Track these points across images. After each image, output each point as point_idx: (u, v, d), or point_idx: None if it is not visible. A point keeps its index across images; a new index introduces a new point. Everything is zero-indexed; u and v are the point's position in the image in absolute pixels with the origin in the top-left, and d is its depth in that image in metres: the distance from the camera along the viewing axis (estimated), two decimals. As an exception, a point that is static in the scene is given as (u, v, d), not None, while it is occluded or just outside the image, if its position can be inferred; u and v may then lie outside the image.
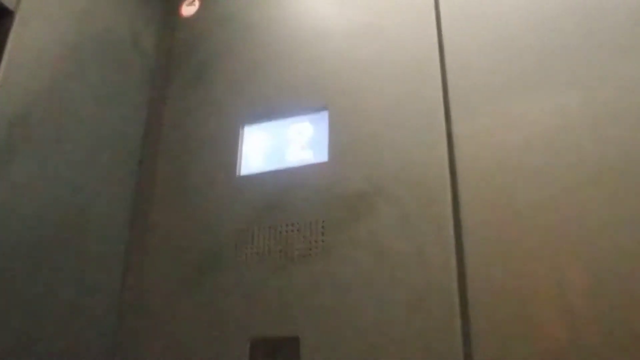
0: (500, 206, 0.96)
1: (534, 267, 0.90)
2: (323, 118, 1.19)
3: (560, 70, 1.00)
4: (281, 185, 1.17)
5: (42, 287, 1.04)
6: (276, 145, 1.24)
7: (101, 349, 1.15)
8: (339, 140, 1.15)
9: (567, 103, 0.98)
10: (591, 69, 0.99)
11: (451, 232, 0.98)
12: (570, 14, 1.04)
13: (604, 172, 0.90)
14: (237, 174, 1.24)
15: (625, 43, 0.98)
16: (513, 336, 0.87)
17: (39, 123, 1.09)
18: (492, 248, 0.94)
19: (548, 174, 0.94)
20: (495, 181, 0.97)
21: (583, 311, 0.84)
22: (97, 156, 1.24)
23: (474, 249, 0.96)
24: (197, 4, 1.47)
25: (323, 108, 1.20)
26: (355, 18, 1.24)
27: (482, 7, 1.13)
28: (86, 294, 1.15)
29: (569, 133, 0.96)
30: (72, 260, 1.13)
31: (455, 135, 1.05)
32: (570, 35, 1.03)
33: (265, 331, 1.06)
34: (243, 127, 1.29)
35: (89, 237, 1.18)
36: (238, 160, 1.25)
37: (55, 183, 1.11)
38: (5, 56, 1.05)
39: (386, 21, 1.20)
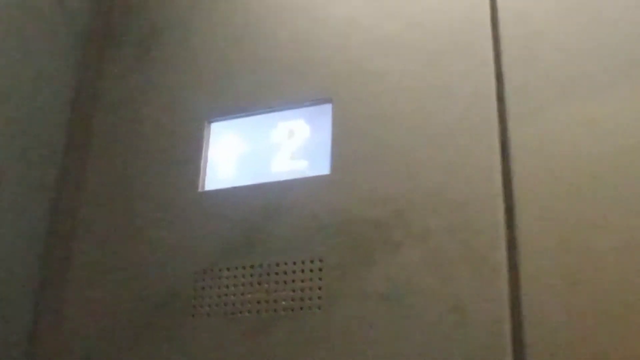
0: (576, 248, 0.93)
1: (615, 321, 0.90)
2: (325, 114, 1.18)
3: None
4: (262, 207, 1.15)
5: None
6: (255, 150, 1.23)
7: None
8: (347, 145, 1.13)
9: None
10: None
11: (504, 282, 0.95)
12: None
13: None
14: (199, 188, 1.23)
15: None
16: None
17: None
18: (561, 310, 0.92)
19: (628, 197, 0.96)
20: (562, 203, 0.97)
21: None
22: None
23: (538, 309, 0.93)
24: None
25: (325, 100, 1.19)
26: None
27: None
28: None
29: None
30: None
31: (512, 142, 1.03)
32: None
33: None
34: (208, 124, 1.28)
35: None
36: (201, 169, 1.23)
37: None
38: None
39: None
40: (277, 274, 1.08)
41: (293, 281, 1.06)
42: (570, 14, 1.10)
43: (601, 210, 0.93)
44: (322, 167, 1.13)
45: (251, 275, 1.10)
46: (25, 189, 1.30)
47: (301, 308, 1.03)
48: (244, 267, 1.11)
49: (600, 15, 1.09)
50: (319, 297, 1.02)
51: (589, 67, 1.04)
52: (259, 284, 1.09)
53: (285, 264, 1.07)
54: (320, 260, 1.05)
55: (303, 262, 1.07)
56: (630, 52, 1.04)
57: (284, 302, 1.05)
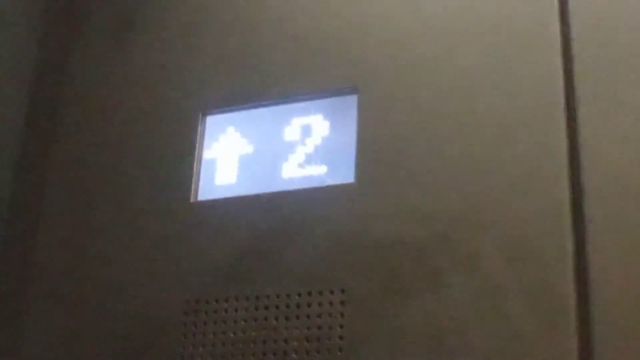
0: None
1: None
2: (349, 107, 1.19)
3: None
4: (270, 222, 1.17)
5: None
6: (262, 152, 1.26)
7: None
8: (376, 147, 1.15)
9: None
10: None
11: (572, 319, 0.94)
12: None
13: None
14: (191, 198, 1.25)
15: None
16: None
17: None
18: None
19: None
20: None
21: None
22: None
23: (613, 351, 0.91)
24: None
25: (350, 90, 1.20)
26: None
27: None
28: None
29: None
30: None
31: (583, 149, 1.03)
32: None
33: None
34: (203, 117, 1.31)
35: None
36: (194, 174, 1.26)
37: None
38: None
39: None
40: (287, 307, 1.09)
41: (308, 317, 1.07)
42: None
43: None
44: (344, 173, 1.14)
45: (255, 309, 1.11)
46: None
47: (318, 351, 1.04)
48: (246, 298, 1.11)
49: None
50: (340, 337, 1.03)
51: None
52: (265, 319, 1.09)
53: (299, 295, 1.08)
54: (342, 291, 1.06)
55: (321, 293, 1.07)
56: None
57: (295, 343, 1.05)
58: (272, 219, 1.17)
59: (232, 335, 1.11)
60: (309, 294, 1.08)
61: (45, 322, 1.26)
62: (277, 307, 1.09)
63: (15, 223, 1.39)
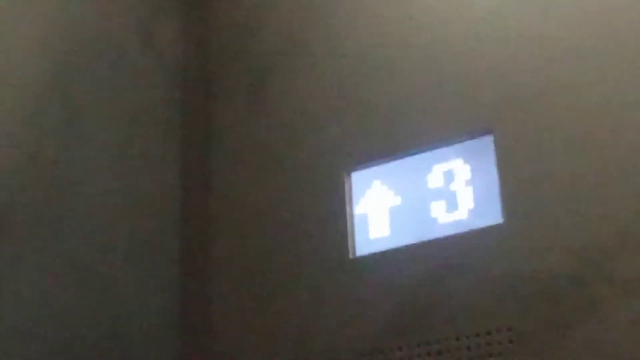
0: None
1: None
2: (485, 148, 1.21)
3: None
4: (428, 269, 1.19)
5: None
6: (409, 201, 1.28)
7: None
8: (518, 184, 1.16)
9: None
10: None
11: None
12: None
13: None
14: (350, 254, 1.28)
15: None
16: None
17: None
18: None
19: None
20: None
21: None
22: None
23: None
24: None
25: (484, 131, 1.21)
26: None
27: None
28: None
29: None
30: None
31: None
32: None
33: None
34: (348, 175, 1.34)
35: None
36: (348, 231, 1.29)
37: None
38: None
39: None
40: (458, 349, 1.11)
41: (480, 357, 1.09)
42: None
43: None
44: (492, 214, 1.17)
45: (428, 354, 1.14)
46: (151, 259, 1.45)
47: None
48: (418, 345, 1.15)
49: None
50: (513, 371, 1.08)
51: None
52: None
53: (467, 337, 1.11)
54: (509, 329, 1.08)
55: (489, 333, 1.10)
56: None
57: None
58: (429, 267, 1.20)
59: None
60: (477, 335, 1.11)
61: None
62: (448, 351, 1.13)
63: (186, 285, 1.46)
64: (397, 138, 1.31)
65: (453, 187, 1.24)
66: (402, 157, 1.29)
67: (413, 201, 1.28)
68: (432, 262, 1.21)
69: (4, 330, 1.24)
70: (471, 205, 1.22)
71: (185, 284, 1.49)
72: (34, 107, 1.39)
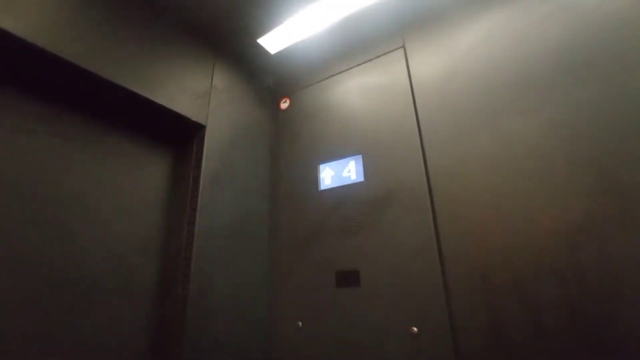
0: None
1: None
2: (358, 159, 2.89)
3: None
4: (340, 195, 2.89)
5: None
6: (332, 174, 3.01)
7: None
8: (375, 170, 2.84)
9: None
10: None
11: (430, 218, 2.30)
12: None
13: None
14: (318, 189, 2.90)
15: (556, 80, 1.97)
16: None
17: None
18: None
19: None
20: None
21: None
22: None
23: None
24: (288, 102, 3.45)
25: (357, 152, 2.81)
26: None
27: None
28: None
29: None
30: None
31: None
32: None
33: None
34: (319, 165, 2.99)
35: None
36: (318, 181, 2.96)
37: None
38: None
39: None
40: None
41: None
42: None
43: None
44: (360, 176, 2.76)
45: (340, 219, 2.58)
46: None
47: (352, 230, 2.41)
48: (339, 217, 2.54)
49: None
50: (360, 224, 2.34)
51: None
52: (342, 220, 2.45)
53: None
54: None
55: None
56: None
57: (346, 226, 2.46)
58: (335, 199, 2.80)
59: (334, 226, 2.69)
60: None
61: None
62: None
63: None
64: (332, 154, 2.89)
65: (349, 169, 2.85)
66: (334, 160, 3.00)
67: (333, 174, 2.97)
68: (336, 197, 2.64)
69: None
70: (354, 175, 2.66)
71: None
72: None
